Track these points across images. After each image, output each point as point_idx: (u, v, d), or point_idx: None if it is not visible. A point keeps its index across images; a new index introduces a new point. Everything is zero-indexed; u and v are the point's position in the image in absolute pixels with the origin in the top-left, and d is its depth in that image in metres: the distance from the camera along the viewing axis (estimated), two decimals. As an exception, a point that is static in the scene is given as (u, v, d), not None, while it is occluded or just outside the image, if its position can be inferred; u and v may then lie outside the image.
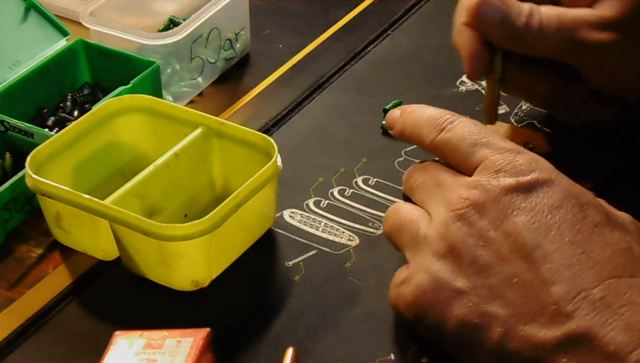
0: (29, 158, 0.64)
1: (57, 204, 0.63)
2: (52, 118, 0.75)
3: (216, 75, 0.83)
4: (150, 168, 0.65)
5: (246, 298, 0.63)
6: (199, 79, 0.82)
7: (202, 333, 0.56)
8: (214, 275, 0.64)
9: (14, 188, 0.67)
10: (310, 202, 0.70)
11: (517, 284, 0.52)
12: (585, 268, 0.52)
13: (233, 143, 0.67)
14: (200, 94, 0.82)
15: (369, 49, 0.86)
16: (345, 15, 0.90)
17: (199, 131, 0.67)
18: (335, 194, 0.70)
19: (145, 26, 0.84)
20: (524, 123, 0.76)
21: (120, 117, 0.70)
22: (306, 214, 0.69)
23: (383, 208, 0.68)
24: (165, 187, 0.66)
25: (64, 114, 0.76)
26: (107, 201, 0.62)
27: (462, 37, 0.68)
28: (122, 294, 0.64)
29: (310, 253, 0.66)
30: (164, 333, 0.56)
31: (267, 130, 0.76)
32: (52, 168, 0.66)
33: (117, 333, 0.57)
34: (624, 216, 0.56)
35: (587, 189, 0.56)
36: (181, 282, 0.62)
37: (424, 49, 0.85)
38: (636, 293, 0.51)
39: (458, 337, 0.54)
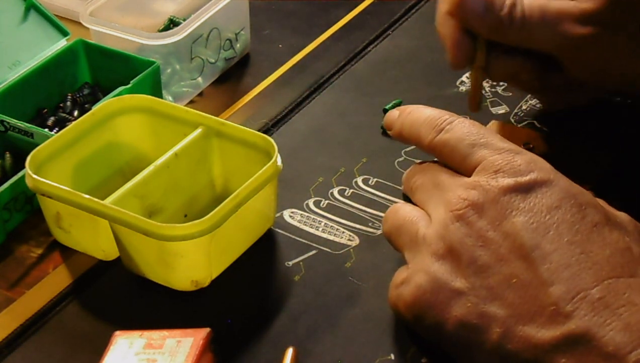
0: (29, 158, 0.65)
1: (57, 204, 0.63)
2: (52, 118, 0.75)
3: (216, 75, 0.84)
4: (150, 168, 0.65)
5: (246, 298, 0.63)
6: (199, 79, 0.82)
7: (202, 333, 0.56)
8: (214, 275, 0.64)
9: (14, 188, 0.67)
10: (310, 202, 0.70)
11: (516, 284, 0.53)
12: (584, 268, 0.52)
13: (233, 143, 0.67)
14: (200, 94, 0.82)
15: (369, 49, 0.86)
16: (345, 15, 0.90)
17: (199, 131, 0.67)
18: (335, 194, 0.71)
19: (145, 26, 0.84)
20: (524, 123, 0.76)
21: (120, 117, 0.70)
22: (306, 214, 0.69)
23: (383, 208, 0.68)
24: (165, 187, 0.66)
25: (64, 114, 0.76)
26: (107, 201, 0.62)
27: (445, 26, 0.68)
28: (122, 294, 0.64)
29: (310, 253, 0.66)
30: (164, 333, 0.56)
31: (267, 130, 0.76)
32: (52, 168, 0.66)
33: (117, 333, 0.57)
34: (622, 216, 0.56)
35: (587, 189, 0.56)
36: (181, 282, 0.62)
37: (424, 49, 0.85)
38: (635, 293, 0.51)
39: (457, 337, 0.54)
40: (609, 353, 0.49)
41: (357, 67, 0.84)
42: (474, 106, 0.71)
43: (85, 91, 0.78)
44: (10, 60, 0.78)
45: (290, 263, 0.65)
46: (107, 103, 0.69)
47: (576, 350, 0.50)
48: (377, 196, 0.70)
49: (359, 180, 0.72)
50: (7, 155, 0.71)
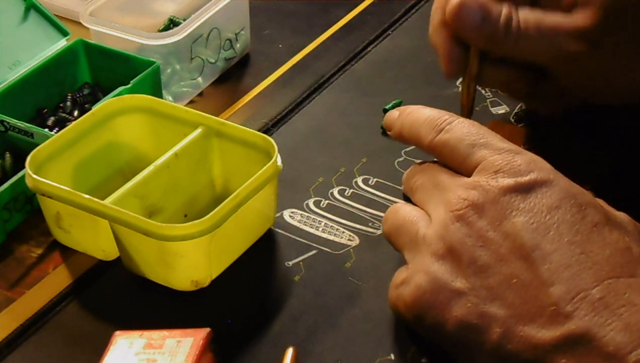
0: (29, 158, 0.65)
1: (57, 204, 0.63)
2: (52, 118, 0.75)
3: (216, 75, 0.84)
4: (150, 168, 0.65)
5: (246, 298, 0.63)
6: (199, 79, 0.82)
7: (202, 333, 0.56)
8: (214, 275, 0.64)
9: (14, 188, 0.67)
10: (310, 202, 0.70)
11: (516, 284, 0.53)
12: (584, 269, 0.52)
13: (233, 143, 0.67)
14: (200, 94, 0.82)
15: (369, 49, 0.86)
16: (345, 15, 0.90)
17: (199, 131, 0.67)
18: (335, 194, 0.71)
19: (145, 26, 0.84)
20: (523, 123, 0.76)
21: (120, 117, 0.70)
22: (306, 214, 0.69)
23: (383, 208, 0.68)
24: (165, 187, 0.66)
25: (64, 114, 0.76)
26: (107, 201, 0.62)
27: (439, 36, 0.68)
28: (122, 294, 0.64)
29: (310, 253, 0.66)
30: (164, 333, 0.56)
31: (267, 130, 0.76)
32: (52, 168, 0.66)
33: (117, 333, 0.57)
34: (622, 216, 0.56)
35: (587, 189, 0.56)
36: (181, 282, 0.62)
37: (424, 49, 0.84)
38: (635, 293, 0.51)
39: (457, 337, 0.54)
40: (609, 354, 0.49)
41: (357, 67, 0.84)
42: (466, 115, 0.71)
43: (85, 91, 0.78)
44: (10, 60, 0.78)
45: (290, 263, 0.65)
46: (107, 103, 0.69)
47: (576, 350, 0.50)
48: (377, 196, 0.70)
49: (359, 180, 0.72)
50: (7, 155, 0.72)
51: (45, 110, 0.76)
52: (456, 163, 0.58)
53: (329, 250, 0.66)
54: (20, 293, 0.64)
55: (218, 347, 0.57)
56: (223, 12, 0.81)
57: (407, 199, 0.63)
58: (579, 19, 0.65)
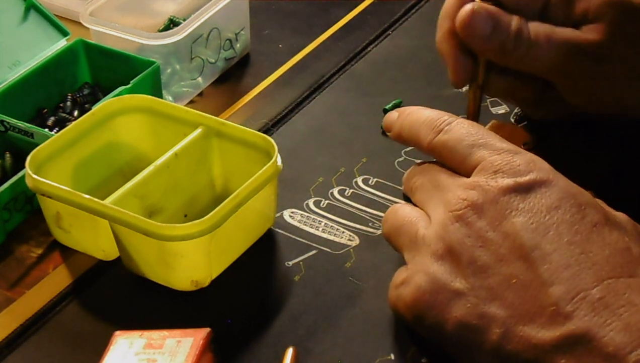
0: (29, 158, 0.65)
1: (57, 204, 0.63)
2: (52, 118, 0.75)
3: (216, 75, 0.84)
4: (150, 168, 0.65)
5: (246, 298, 0.63)
6: (199, 79, 0.82)
7: (202, 333, 0.56)
8: (214, 275, 0.64)
9: (14, 188, 0.67)
10: (310, 202, 0.70)
11: (515, 285, 0.53)
12: (584, 269, 0.52)
13: (233, 143, 0.67)
14: (200, 94, 0.82)
15: (369, 49, 0.86)
16: (345, 15, 0.90)
17: (199, 131, 0.67)
18: (335, 194, 0.71)
19: (145, 26, 0.84)
20: (523, 123, 0.76)
21: (120, 117, 0.70)
22: (306, 214, 0.69)
23: (383, 208, 0.68)
24: (165, 187, 0.66)
25: (64, 114, 0.76)
26: (107, 201, 0.62)
27: (447, 45, 0.68)
28: (122, 294, 0.64)
29: (310, 253, 0.66)
30: (164, 333, 0.56)
31: (267, 130, 0.76)
32: (52, 168, 0.66)
33: (117, 333, 0.57)
34: (621, 216, 0.56)
35: (587, 189, 0.56)
36: (181, 282, 0.62)
37: (424, 49, 0.85)
38: (635, 293, 0.51)
39: (457, 337, 0.54)
40: (609, 354, 0.49)
41: (357, 67, 0.84)
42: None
43: (85, 91, 0.78)
44: (10, 60, 0.78)
45: (290, 263, 0.65)
46: (107, 103, 0.69)
47: (576, 350, 0.50)
48: (377, 196, 0.70)
49: (359, 180, 0.72)
50: (7, 155, 0.72)
51: (45, 110, 0.76)
52: (455, 164, 0.58)
53: (329, 250, 0.66)
54: (20, 293, 0.64)
55: (218, 347, 0.57)
56: (223, 12, 0.81)
57: (407, 199, 0.63)
58: (589, 33, 0.65)
